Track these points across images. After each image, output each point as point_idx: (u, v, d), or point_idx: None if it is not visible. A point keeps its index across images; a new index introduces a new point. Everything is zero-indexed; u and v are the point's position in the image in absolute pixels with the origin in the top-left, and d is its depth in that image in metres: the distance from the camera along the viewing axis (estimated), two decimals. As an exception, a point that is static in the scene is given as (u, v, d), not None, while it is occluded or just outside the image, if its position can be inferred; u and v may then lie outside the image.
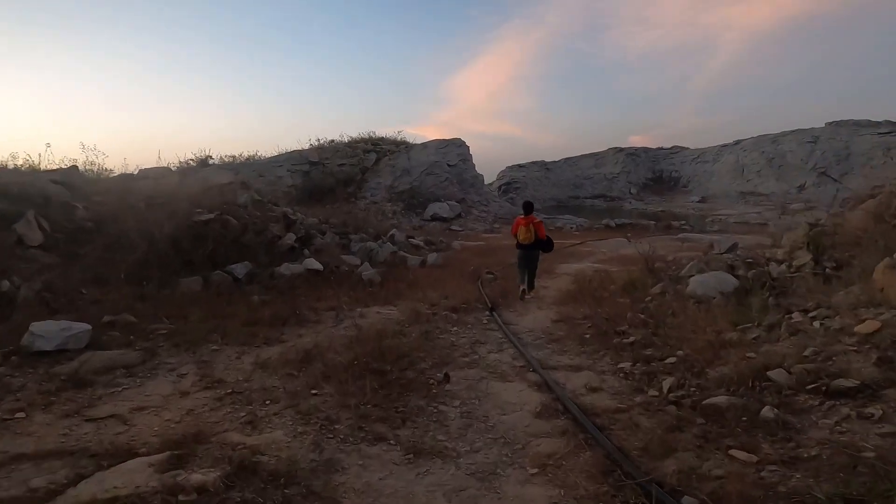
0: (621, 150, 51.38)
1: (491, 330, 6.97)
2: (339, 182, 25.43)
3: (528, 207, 9.23)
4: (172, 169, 20.23)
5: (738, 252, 11.50)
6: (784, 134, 46.84)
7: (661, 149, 52.83)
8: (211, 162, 22.99)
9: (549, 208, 42.48)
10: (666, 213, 39.23)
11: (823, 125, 45.82)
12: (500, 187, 47.79)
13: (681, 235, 19.32)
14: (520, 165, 50.75)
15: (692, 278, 7.68)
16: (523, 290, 8.90)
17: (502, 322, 7.16)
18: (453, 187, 28.60)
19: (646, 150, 52.38)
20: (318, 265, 9.74)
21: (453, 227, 23.33)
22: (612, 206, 45.56)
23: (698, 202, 46.88)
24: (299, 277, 9.47)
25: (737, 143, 49.50)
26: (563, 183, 50.17)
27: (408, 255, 12.46)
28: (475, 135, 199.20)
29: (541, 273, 11.45)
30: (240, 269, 9.05)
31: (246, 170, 22.02)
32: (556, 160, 51.58)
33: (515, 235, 9.05)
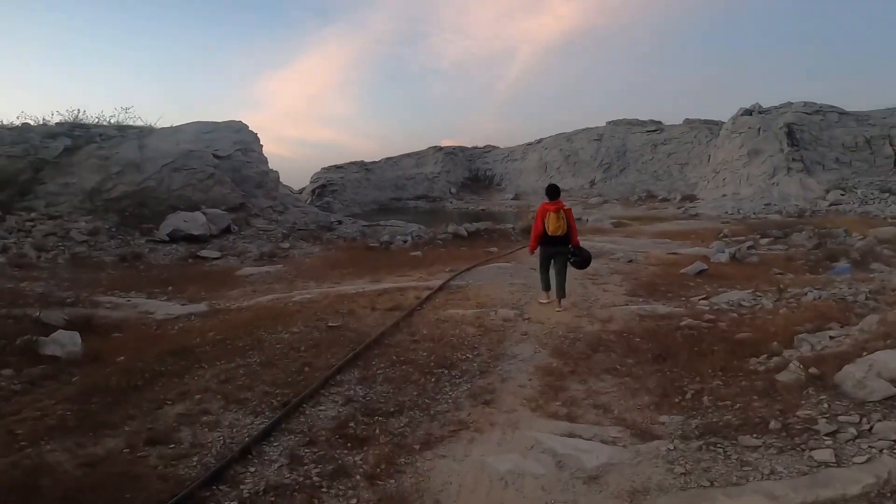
0: (441, 148, 44.18)
1: None
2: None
3: (555, 191, 5.80)
4: None
5: None
6: (576, 132, 44.89)
7: (476, 148, 47.15)
8: None
9: (371, 212, 32.76)
10: (486, 213, 33.07)
11: (605, 124, 44.83)
12: (313, 191, 36.31)
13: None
14: (337, 166, 39.89)
15: None
16: (548, 295, 5.62)
17: None
18: (223, 188, 16.22)
19: (462, 148, 46.08)
20: None
21: (204, 254, 11.39)
22: (435, 208, 38.57)
23: (513, 199, 42.30)
24: None
25: (539, 141, 46.29)
26: (384, 184, 40.83)
27: None
28: (294, 141, 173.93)
29: None
30: None
31: None
32: (377, 160, 42.17)
33: (543, 226, 5.58)
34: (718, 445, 2.43)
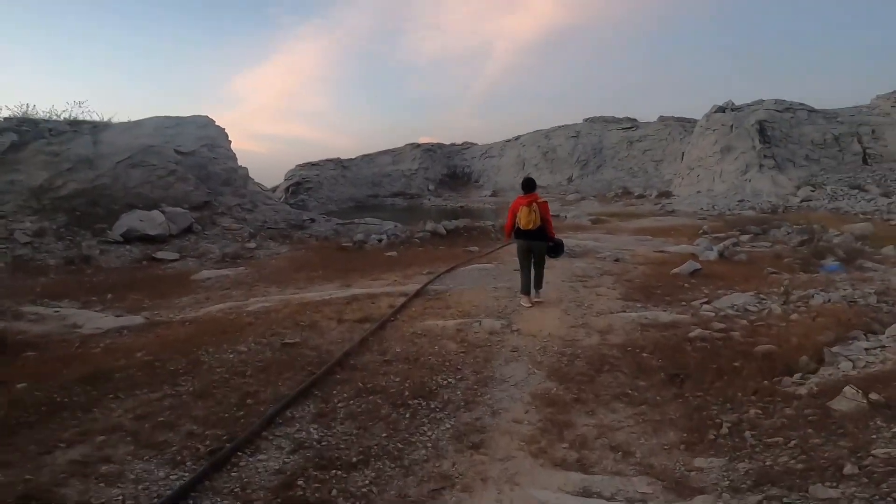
0: (418, 145, 43.41)
1: None
2: None
3: (530, 184, 5.55)
4: None
5: None
6: (554, 129, 44.89)
7: (454, 145, 46.54)
8: None
9: (347, 210, 31.77)
10: (465, 210, 32.64)
11: (582, 121, 44.90)
12: (287, 188, 35.11)
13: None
14: (312, 163, 38.69)
15: None
16: (528, 298, 5.24)
17: None
18: (186, 185, 15.08)
19: (441, 145, 45.42)
20: None
21: (161, 256, 10.38)
22: (412, 205, 37.92)
23: (491, 196, 41.99)
24: None
25: (517, 138, 46.11)
26: (361, 181, 39.87)
27: None
28: (268, 137, 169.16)
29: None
30: None
31: None
32: (354, 157, 41.14)
33: (515, 221, 5.36)
34: (784, 500, 1.83)
